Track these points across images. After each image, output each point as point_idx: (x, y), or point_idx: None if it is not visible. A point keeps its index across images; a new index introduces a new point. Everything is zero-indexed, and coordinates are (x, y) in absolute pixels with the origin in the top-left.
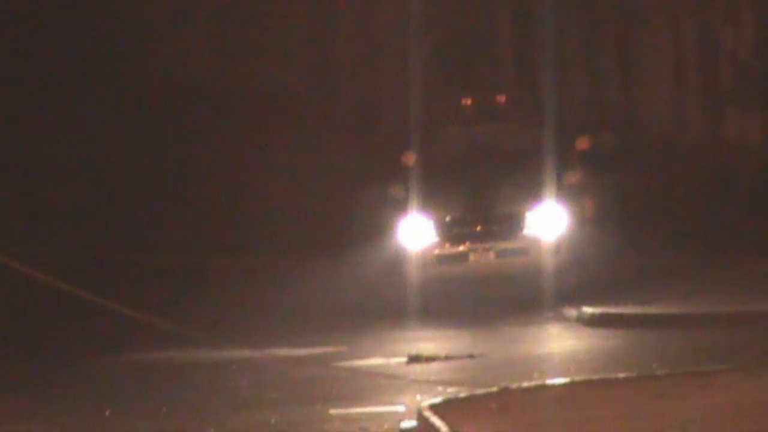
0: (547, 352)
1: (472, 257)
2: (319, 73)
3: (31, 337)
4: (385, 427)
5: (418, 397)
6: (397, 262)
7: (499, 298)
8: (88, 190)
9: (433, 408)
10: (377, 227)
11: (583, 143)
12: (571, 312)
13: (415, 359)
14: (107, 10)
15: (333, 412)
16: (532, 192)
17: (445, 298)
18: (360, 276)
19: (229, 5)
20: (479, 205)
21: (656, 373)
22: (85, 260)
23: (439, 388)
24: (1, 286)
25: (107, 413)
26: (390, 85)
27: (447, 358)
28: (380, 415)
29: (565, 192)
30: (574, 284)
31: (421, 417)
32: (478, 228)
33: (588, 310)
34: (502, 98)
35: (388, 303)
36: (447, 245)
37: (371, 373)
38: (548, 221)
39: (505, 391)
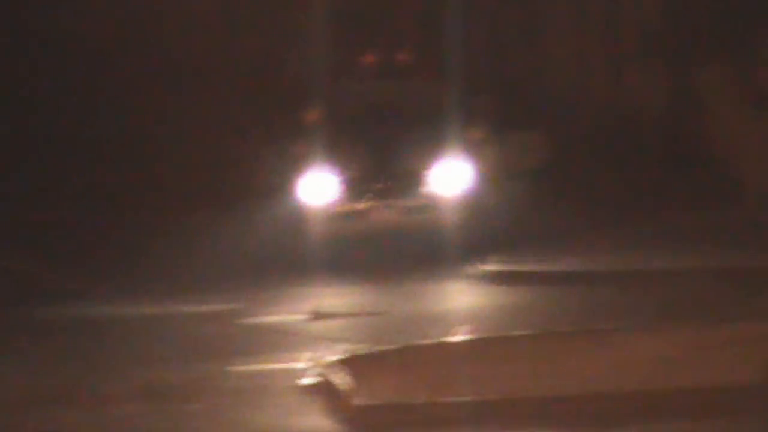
0: (449, 309)
1: (374, 214)
2: (222, 30)
3: None
4: (286, 384)
5: (319, 354)
6: (299, 219)
7: (401, 255)
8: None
9: (333, 365)
10: (280, 184)
11: (486, 101)
12: (474, 269)
13: (316, 316)
14: None
15: (232, 368)
16: (434, 149)
17: (347, 255)
18: (263, 233)
19: None
20: (381, 161)
21: (556, 330)
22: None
23: (340, 345)
24: None
25: (5, 369)
26: (293, 42)
27: (348, 314)
28: (280, 371)
29: (468, 149)
30: (477, 241)
31: (321, 374)
32: (380, 185)
33: (490, 267)
34: (404, 55)
35: (291, 260)
36: (348, 202)
37: (272, 330)
38: (451, 178)
39: (405, 348)
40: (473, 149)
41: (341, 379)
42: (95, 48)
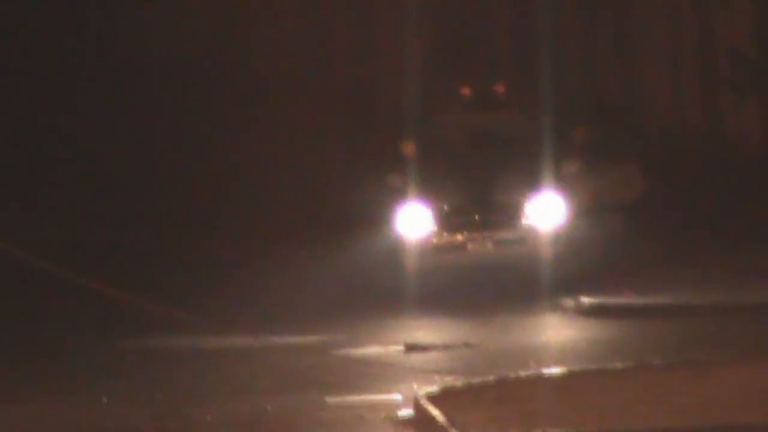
0: (543, 342)
1: (470, 246)
2: (317, 60)
3: (26, 322)
4: (382, 415)
5: (415, 386)
6: (394, 251)
7: (496, 287)
8: (81, 173)
9: (430, 397)
10: (375, 216)
11: (581, 132)
12: (569, 302)
13: (412, 348)
14: None
15: (329, 400)
16: (530, 181)
17: (442, 287)
18: (358, 264)
19: None
20: (477, 194)
21: (653, 362)
22: (76, 242)
23: (436, 377)
24: None
25: (104, 400)
26: (388, 73)
27: (444, 346)
28: (377, 403)
29: (564, 181)
30: (572, 274)
31: (417, 406)
32: (476, 217)
33: (585, 299)
34: (500, 87)
35: (386, 292)
36: (445, 234)
37: (368, 362)
38: (546, 211)
39: (501, 381)
40: (569, 181)
41: (438, 411)
42: (181, 70)
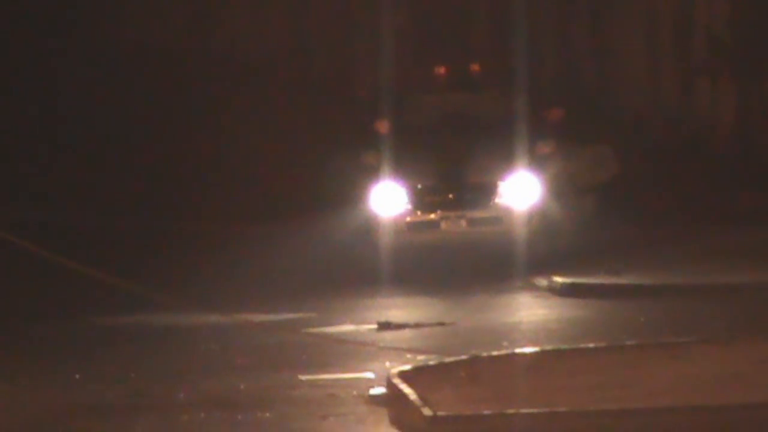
0: (517, 321)
1: (443, 225)
2: (293, 40)
3: (1, 300)
4: (354, 393)
5: (388, 364)
6: (368, 229)
7: (470, 266)
8: (61, 154)
9: (403, 375)
10: (350, 194)
11: (555, 114)
12: (542, 281)
13: (385, 326)
14: None
15: (302, 378)
16: (504, 161)
17: (416, 265)
18: (332, 242)
19: None
20: (452, 173)
21: (626, 343)
22: (56, 224)
23: (409, 356)
24: None
25: (77, 377)
26: (364, 52)
27: (417, 325)
28: (350, 381)
29: (538, 161)
30: (546, 254)
31: (390, 384)
32: (451, 196)
33: (559, 279)
34: (476, 67)
35: (360, 270)
36: (419, 213)
37: (341, 340)
38: (520, 190)
39: (474, 360)
40: (543, 162)
41: (410, 390)
42: (160, 54)
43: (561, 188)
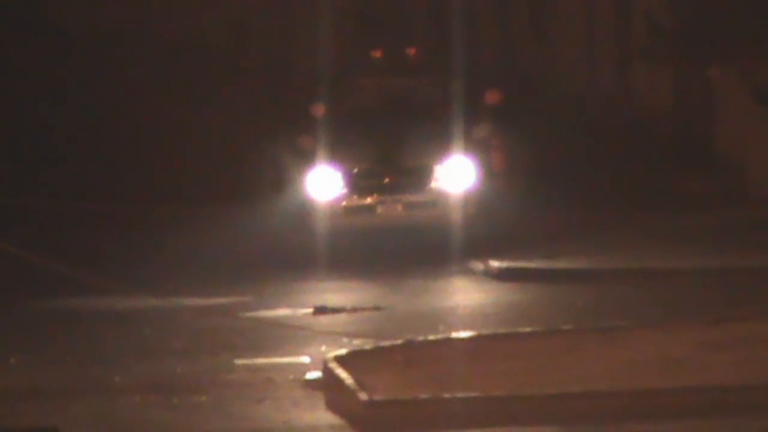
0: (453, 305)
1: (379, 209)
2: (229, 22)
3: None
4: (290, 377)
5: (324, 348)
6: (304, 213)
7: (406, 250)
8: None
9: (338, 359)
10: (285, 178)
11: (492, 97)
12: (478, 265)
13: (321, 310)
14: None
15: (238, 362)
16: (440, 145)
17: (352, 249)
18: (267, 226)
19: None
20: (388, 157)
21: (562, 327)
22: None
23: (345, 340)
24: None
25: (12, 361)
26: (300, 36)
27: (353, 309)
28: (285, 365)
29: (474, 146)
30: (481, 237)
31: (326, 368)
32: (387, 180)
33: (495, 263)
34: (412, 51)
35: (296, 254)
36: (355, 197)
37: (277, 324)
38: (457, 175)
39: (410, 344)
40: (479, 146)
41: (346, 374)
42: (104, 43)
43: (497, 172)
